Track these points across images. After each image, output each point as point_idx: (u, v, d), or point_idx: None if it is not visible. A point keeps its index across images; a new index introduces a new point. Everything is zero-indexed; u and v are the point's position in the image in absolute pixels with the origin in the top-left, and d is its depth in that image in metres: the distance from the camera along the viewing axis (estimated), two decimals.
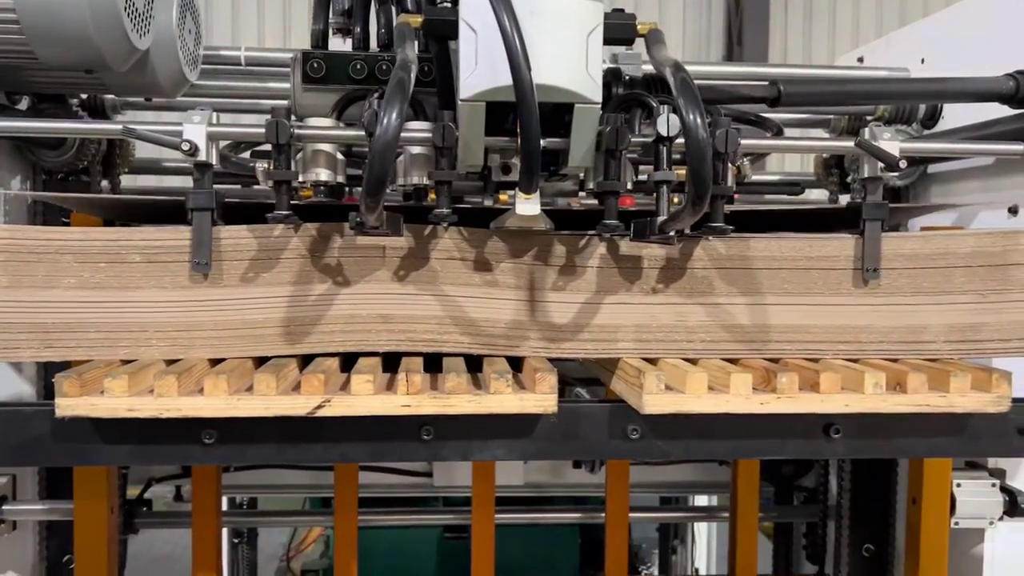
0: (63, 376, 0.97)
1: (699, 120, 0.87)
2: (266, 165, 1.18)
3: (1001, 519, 1.75)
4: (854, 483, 2.07)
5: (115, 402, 0.97)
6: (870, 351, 1.14)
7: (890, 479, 2.04)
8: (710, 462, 2.52)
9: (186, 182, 2.45)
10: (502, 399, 1.00)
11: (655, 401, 1.00)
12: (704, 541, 3.96)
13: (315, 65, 1.17)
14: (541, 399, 1.00)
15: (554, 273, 1.11)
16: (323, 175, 1.09)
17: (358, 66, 1.17)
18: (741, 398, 1.01)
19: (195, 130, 1.02)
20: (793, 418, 1.05)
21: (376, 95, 1.14)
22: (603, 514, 2.23)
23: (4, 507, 1.60)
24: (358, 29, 1.22)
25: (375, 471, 2.34)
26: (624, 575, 2.10)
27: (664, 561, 4.06)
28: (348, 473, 2.03)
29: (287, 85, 1.94)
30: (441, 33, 1.04)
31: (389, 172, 0.89)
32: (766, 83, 1.36)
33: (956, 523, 1.74)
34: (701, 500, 3.28)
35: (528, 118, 0.92)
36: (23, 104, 1.71)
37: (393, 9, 1.21)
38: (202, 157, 1.02)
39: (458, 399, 1.00)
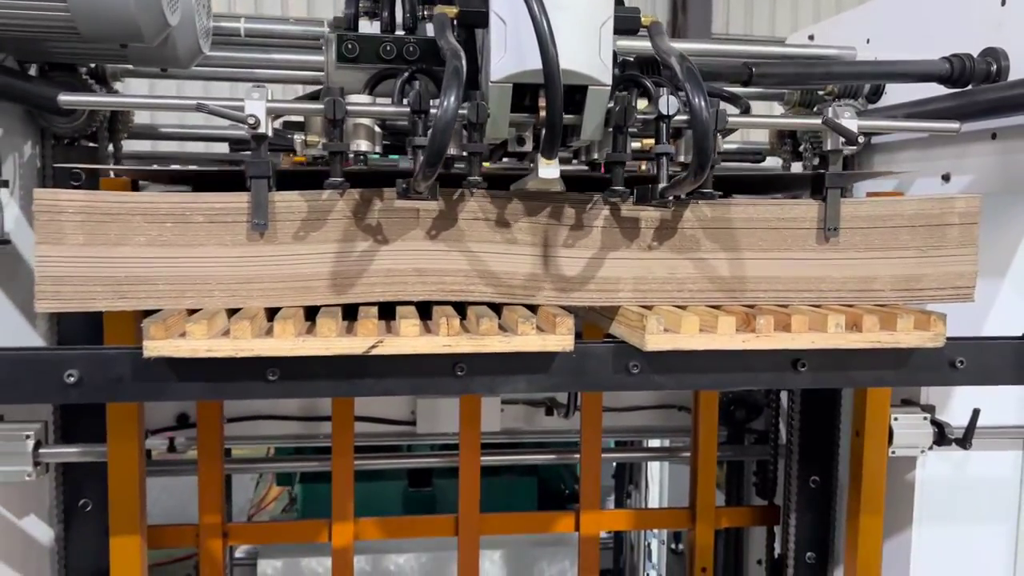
0: (150, 321, 1.11)
1: (703, 103, 1.05)
2: (303, 137, 1.32)
3: (931, 448, 2.00)
4: (802, 423, 2.31)
5: (196, 344, 1.11)
6: (829, 298, 1.34)
7: (834, 419, 2.29)
8: (670, 407, 2.75)
9: (183, 146, 2.57)
10: (527, 339, 1.18)
11: (656, 340, 1.19)
12: (656, 486, 4.21)
13: (348, 46, 1.31)
14: (561, 339, 1.19)
15: (565, 231, 1.29)
16: (363, 146, 1.24)
17: (388, 48, 1.31)
18: (727, 337, 1.20)
19: (256, 106, 1.16)
20: (768, 354, 1.25)
21: (407, 75, 1.29)
22: (576, 455, 2.45)
23: (41, 450, 1.73)
24: (386, 14, 1.36)
25: (361, 421, 2.49)
26: (597, 504, 2.33)
27: (619, 504, 4.34)
28: (344, 419, 2.20)
29: (288, 56, 2.08)
30: (472, 23, 1.20)
31: (447, 146, 1.05)
32: (739, 62, 1.56)
33: (893, 452, 1.99)
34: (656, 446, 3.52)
35: (554, 94, 1.08)
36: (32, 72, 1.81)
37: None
38: (261, 130, 1.16)
39: (490, 339, 1.17)
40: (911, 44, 1.97)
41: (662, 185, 1.17)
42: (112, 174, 1.58)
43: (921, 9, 1.99)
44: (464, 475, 2.28)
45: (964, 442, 1.88)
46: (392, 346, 1.15)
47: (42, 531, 1.99)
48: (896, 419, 1.95)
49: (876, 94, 2.11)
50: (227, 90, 3.30)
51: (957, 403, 2.01)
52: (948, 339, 1.29)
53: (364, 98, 1.25)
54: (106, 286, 1.20)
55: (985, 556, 2.07)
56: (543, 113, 1.15)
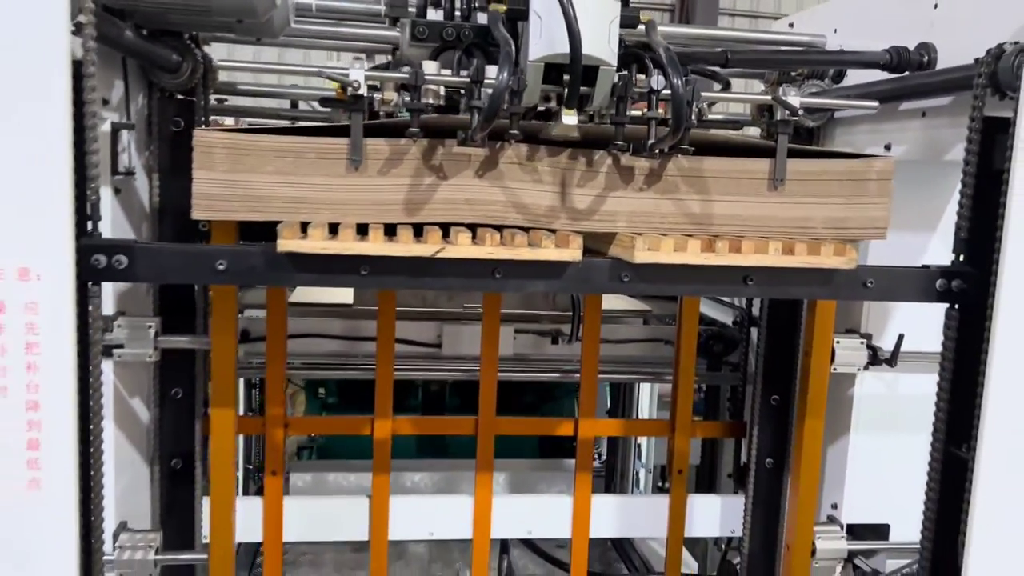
0: (284, 226, 1.56)
1: (679, 82, 1.49)
2: (380, 96, 1.75)
3: (866, 368, 2.45)
4: (766, 352, 2.75)
5: (314, 243, 1.56)
6: (776, 233, 1.78)
7: (793, 348, 2.72)
8: (657, 341, 3.22)
9: (257, 102, 3.02)
10: (548, 251, 1.63)
11: (642, 255, 1.64)
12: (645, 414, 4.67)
13: (420, 30, 1.75)
14: (573, 252, 1.64)
15: (578, 175, 1.73)
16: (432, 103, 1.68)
17: (449, 31, 1.74)
18: (694, 255, 1.65)
19: (357, 73, 1.59)
20: (724, 269, 1.69)
21: (462, 51, 1.72)
22: (576, 375, 2.92)
23: (160, 338, 2.18)
24: (448, 4, 1.79)
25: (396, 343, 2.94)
26: (593, 413, 2.80)
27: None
28: (387, 328, 2.65)
29: (349, 29, 2.50)
30: (516, 17, 1.63)
31: (501, 107, 1.49)
32: (717, 48, 1.99)
33: (835, 369, 2.44)
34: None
35: (576, 64, 1.52)
36: None
37: None
38: (361, 91, 1.60)
39: (522, 250, 1.62)
40: (866, 34, 2.39)
41: (651, 141, 1.61)
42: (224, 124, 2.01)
43: (874, 7, 2.41)
44: (484, 383, 2.73)
45: (891, 361, 2.34)
46: (451, 251, 1.60)
47: (143, 414, 2.45)
48: (838, 342, 2.40)
49: (839, 76, 2.53)
50: (300, 56, 3.74)
51: (890, 332, 2.46)
52: (860, 266, 1.74)
53: (434, 66, 1.68)
54: (243, 202, 1.64)
55: (908, 458, 2.53)
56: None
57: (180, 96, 2.37)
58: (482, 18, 1.79)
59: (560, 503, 2.85)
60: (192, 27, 2.17)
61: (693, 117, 1.64)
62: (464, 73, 1.63)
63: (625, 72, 1.63)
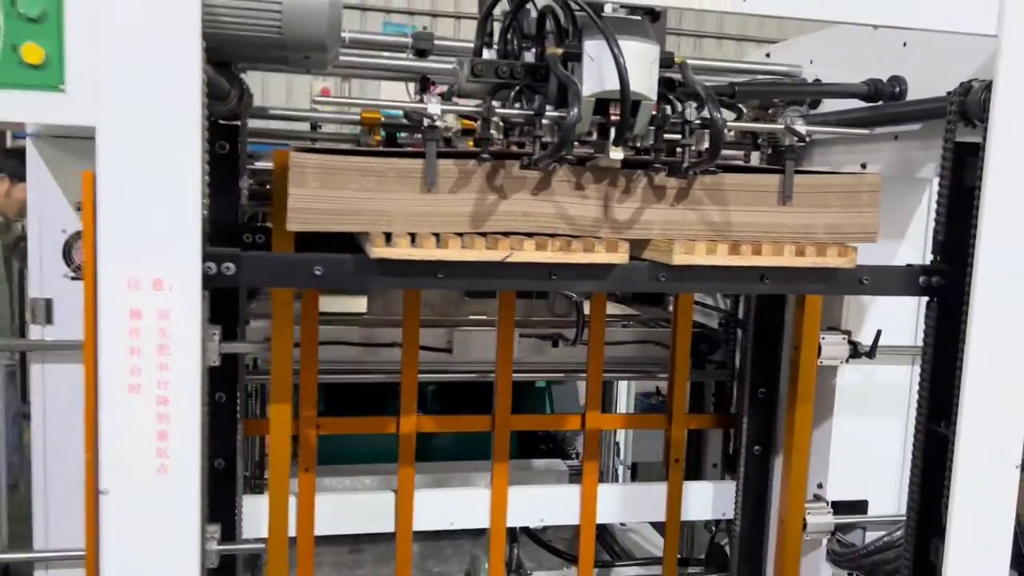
0: (372, 236, 1.79)
1: (719, 115, 1.77)
2: (445, 124, 1.99)
3: (847, 361, 2.77)
4: (754, 349, 3.06)
5: (402, 251, 1.80)
6: (784, 238, 2.07)
7: (777, 346, 3.03)
8: (648, 343, 3.50)
9: (289, 125, 3.23)
10: (601, 255, 1.89)
11: (679, 258, 1.91)
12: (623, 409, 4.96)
13: (478, 67, 2.00)
14: (621, 256, 1.90)
15: (618, 192, 1.99)
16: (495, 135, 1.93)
17: (503, 69, 2.00)
18: (722, 257, 1.93)
19: (434, 107, 1.84)
20: (746, 269, 1.98)
21: (517, 88, 1.97)
22: (579, 374, 3.18)
23: (222, 344, 2.37)
24: (501, 45, 2.05)
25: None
26: (598, 408, 3.06)
27: None
28: (412, 330, 2.88)
29: (388, 61, 2.73)
30: (569, 59, 1.89)
31: (573, 139, 1.74)
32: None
33: (821, 362, 2.75)
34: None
35: (625, 104, 1.79)
36: None
37: (517, 38, 2.04)
38: (437, 123, 1.84)
39: (578, 254, 1.88)
40: (842, 67, 2.72)
41: (685, 164, 1.89)
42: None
43: (849, 43, 2.74)
44: (500, 383, 2.97)
45: (871, 354, 2.65)
46: (518, 256, 1.85)
47: None
48: (824, 338, 2.71)
49: (815, 104, 2.86)
50: (332, 84, 3.98)
51: (867, 330, 2.79)
52: (858, 265, 2.05)
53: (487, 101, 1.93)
54: (330, 215, 1.87)
55: (885, 442, 2.86)
56: (612, 116, 1.86)
57: (222, 121, 2.57)
58: (528, 56, 2.05)
59: (569, 492, 3.11)
60: (253, 60, 2.38)
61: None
62: (518, 105, 1.90)
63: (663, 105, 1.90)
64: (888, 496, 2.93)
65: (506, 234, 1.95)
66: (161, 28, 1.57)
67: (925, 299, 2.73)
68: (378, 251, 1.80)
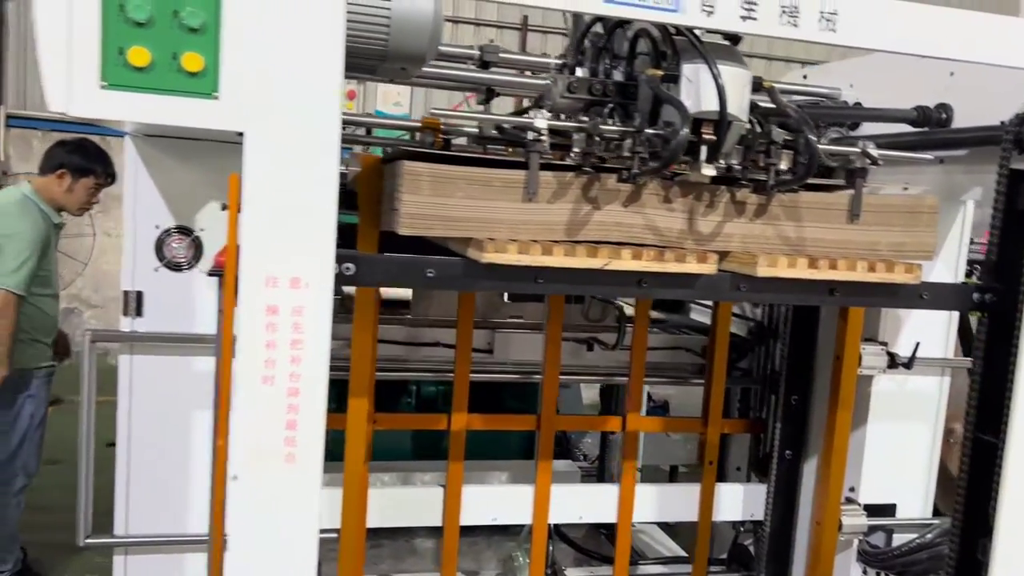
0: (484, 242, 1.90)
1: (812, 138, 1.90)
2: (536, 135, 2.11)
3: (885, 371, 2.93)
4: (789, 358, 3.20)
5: (510, 256, 1.91)
6: (851, 254, 2.21)
7: (811, 356, 3.18)
8: (679, 349, 3.64)
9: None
10: (692, 265, 2.02)
11: (763, 271, 2.05)
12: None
13: (573, 84, 2.12)
14: (710, 267, 2.03)
15: (703, 206, 2.12)
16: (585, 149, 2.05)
17: (596, 87, 2.12)
18: (801, 270, 2.07)
19: (541, 122, 1.95)
20: (820, 282, 2.11)
21: (611, 105, 2.10)
22: (618, 377, 3.31)
23: None
24: (592, 64, 2.17)
25: (449, 348, 3.27)
26: (639, 410, 3.19)
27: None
28: (465, 333, 2.99)
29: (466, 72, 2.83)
30: (668, 80, 2.02)
31: (679, 155, 1.87)
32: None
33: (860, 371, 2.90)
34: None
35: (724, 125, 1.92)
36: None
37: (608, 57, 2.17)
38: (543, 137, 1.95)
39: (670, 264, 2.01)
40: (883, 91, 2.88)
41: (772, 182, 2.02)
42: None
43: (895, 69, 2.89)
44: (547, 383, 3.09)
45: (908, 364, 2.81)
46: (616, 264, 1.98)
47: None
48: (864, 348, 2.87)
49: (855, 126, 3.01)
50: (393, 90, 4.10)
51: (901, 342, 2.95)
52: (923, 282, 2.20)
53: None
54: (439, 221, 1.97)
55: (915, 445, 3.02)
56: (705, 135, 1.99)
57: None
58: (616, 75, 2.18)
59: (608, 491, 3.23)
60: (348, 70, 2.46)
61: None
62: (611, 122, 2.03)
63: (751, 126, 2.04)
64: (915, 500, 3.09)
65: (597, 243, 2.07)
66: (308, 41, 1.67)
67: (956, 314, 2.93)
68: (489, 256, 1.91)
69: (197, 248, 2.36)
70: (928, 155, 2.44)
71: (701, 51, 1.93)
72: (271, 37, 1.66)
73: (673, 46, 2.01)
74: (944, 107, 2.62)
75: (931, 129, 2.62)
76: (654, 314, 4.00)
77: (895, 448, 3.01)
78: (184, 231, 2.35)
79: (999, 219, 2.26)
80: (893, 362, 2.87)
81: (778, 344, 3.26)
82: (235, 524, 1.76)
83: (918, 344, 2.80)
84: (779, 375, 3.24)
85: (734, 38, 2.15)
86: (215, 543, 1.79)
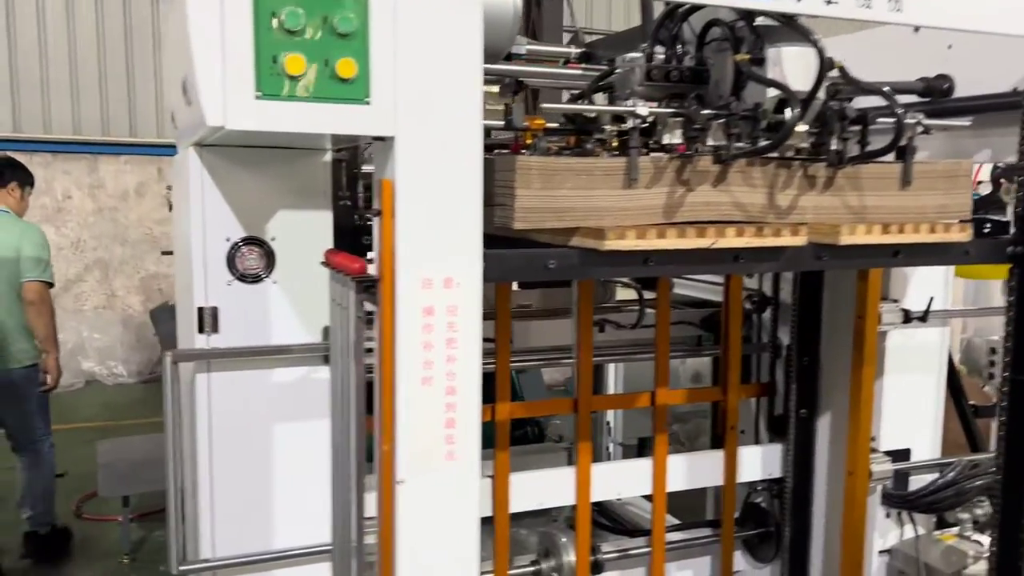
0: (608, 229, 1.96)
1: (902, 112, 2.05)
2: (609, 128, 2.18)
3: (898, 326, 3.15)
4: (799, 324, 3.39)
5: (629, 242, 1.98)
6: (907, 218, 2.38)
7: (818, 320, 3.37)
8: (686, 323, 3.78)
9: None
10: (786, 239, 2.14)
11: (845, 239, 2.19)
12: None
13: (653, 72, 2.20)
14: (802, 239, 2.16)
15: (780, 181, 2.24)
16: (678, 134, 2.13)
17: (674, 73, 2.21)
18: (876, 236, 2.22)
19: (643, 109, 2.03)
20: (884, 246, 2.27)
21: (694, 95, 2.19)
22: (642, 355, 3.43)
23: None
24: (669, 52, 2.25)
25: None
26: (667, 384, 3.31)
27: None
28: (504, 329, 3.03)
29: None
30: (754, 63, 2.12)
31: (788, 136, 1.98)
32: None
33: (879, 328, 3.11)
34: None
35: (809, 102, 2.04)
36: None
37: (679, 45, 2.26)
38: (646, 125, 2.03)
39: (769, 239, 2.12)
40: (885, 67, 3.07)
41: (849, 155, 2.17)
42: None
43: (892, 44, 3.09)
44: (582, 366, 3.17)
45: (924, 318, 3.04)
46: (722, 243, 2.07)
47: None
48: (882, 306, 3.08)
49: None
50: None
51: (909, 298, 3.17)
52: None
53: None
54: (550, 212, 2.02)
55: (922, 393, 3.26)
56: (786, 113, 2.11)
57: None
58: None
59: (641, 466, 3.34)
60: None
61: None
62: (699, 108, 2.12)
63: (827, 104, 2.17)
64: (926, 443, 3.34)
65: (691, 223, 2.16)
66: (452, 41, 1.69)
67: (952, 269, 3.18)
68: (611, 244, 1.97)
69: (269, 258, 2.31)
70: (964, 120, 2.63)
71: (803, 32, 2.05)
72: (418, 39, 1.66)
73: (755, 31, 2.11)
74: (944, 77, 2.84)
75: (933, 99, 2.83)
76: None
77: (906, 396, 3.24)
78: (255, 242, 2.31)
79: (1022, 175, 2.48)
80: (907, 317, 3.08)
81: (780, 311, 3.44)
82: (403, 528, 1.77)
83: (931, 299, 3.03)
84: (791, 340, 3.42)
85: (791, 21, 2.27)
86: (384, 550, 1.79)
